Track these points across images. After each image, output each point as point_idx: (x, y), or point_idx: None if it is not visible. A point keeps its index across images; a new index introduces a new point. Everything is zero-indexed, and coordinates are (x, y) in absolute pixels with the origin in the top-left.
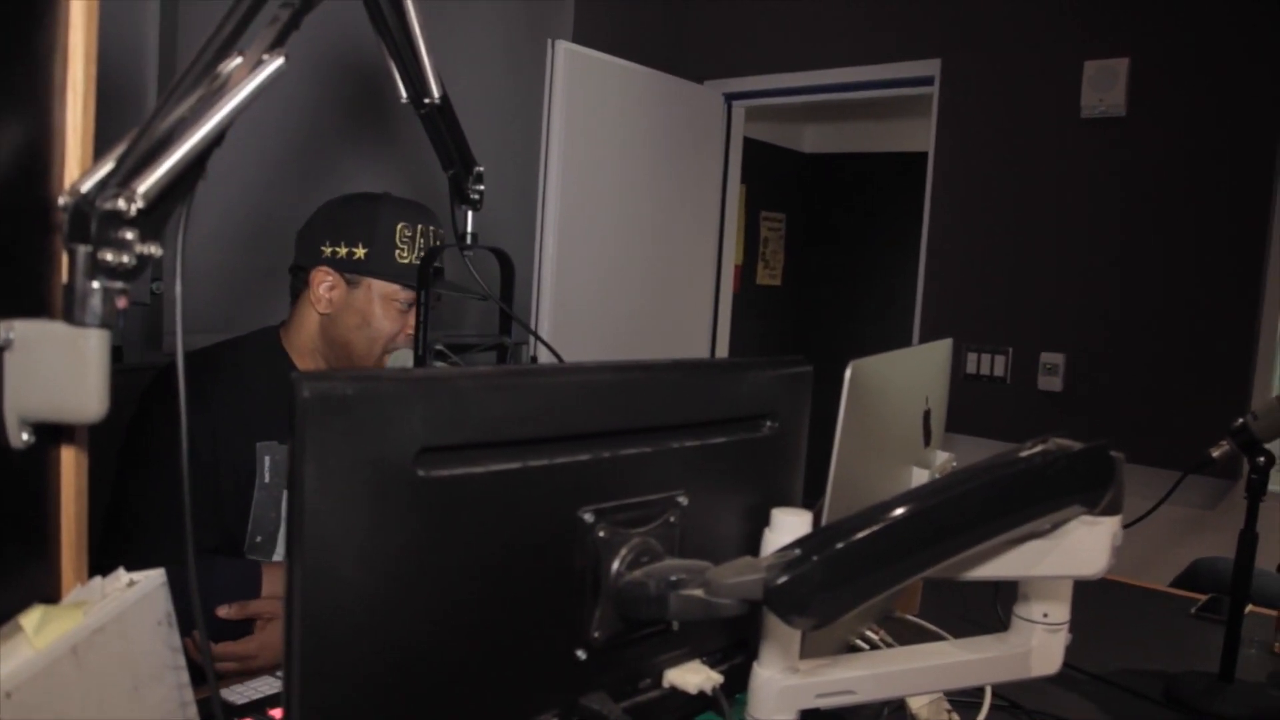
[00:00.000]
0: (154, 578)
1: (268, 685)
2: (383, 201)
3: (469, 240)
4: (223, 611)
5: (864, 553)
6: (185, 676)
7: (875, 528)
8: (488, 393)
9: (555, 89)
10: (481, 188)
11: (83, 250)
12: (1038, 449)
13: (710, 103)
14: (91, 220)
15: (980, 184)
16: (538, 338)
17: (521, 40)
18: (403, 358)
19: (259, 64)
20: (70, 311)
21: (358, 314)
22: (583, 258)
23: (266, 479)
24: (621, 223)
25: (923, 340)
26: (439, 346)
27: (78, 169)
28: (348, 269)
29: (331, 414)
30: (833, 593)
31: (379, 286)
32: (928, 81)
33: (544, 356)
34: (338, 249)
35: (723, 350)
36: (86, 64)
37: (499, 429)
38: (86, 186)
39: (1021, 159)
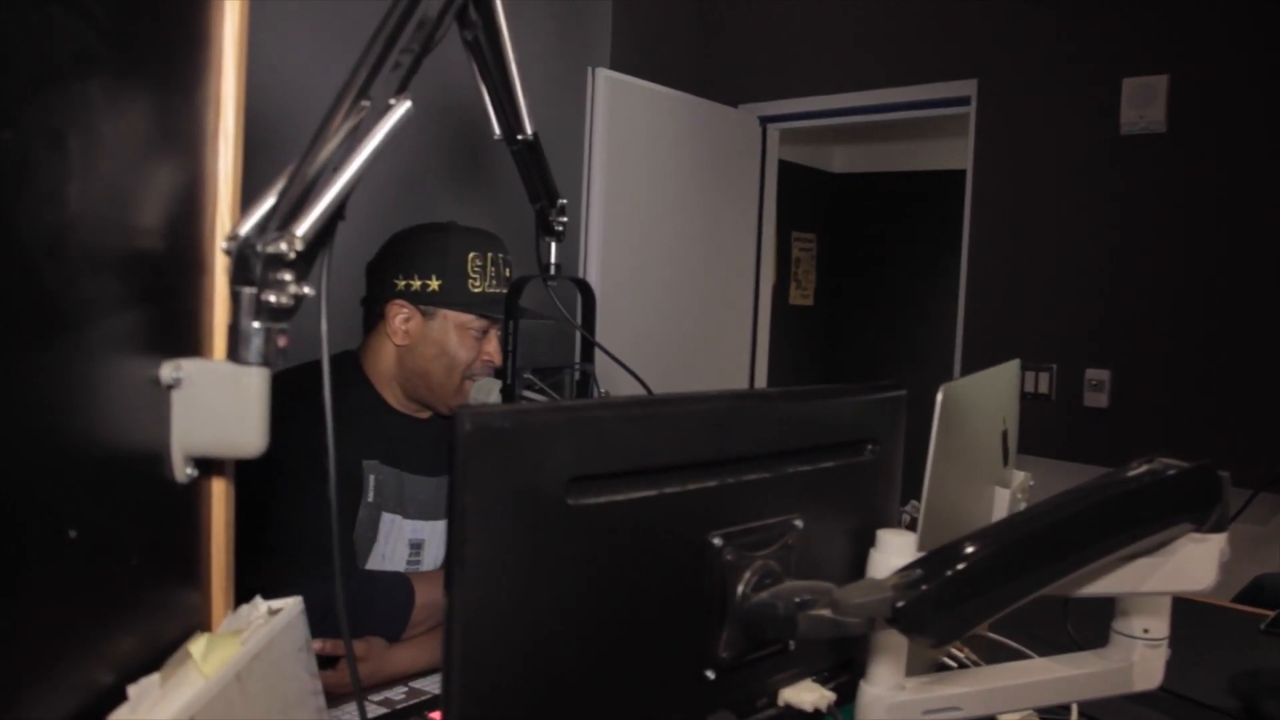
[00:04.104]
0: (293, 605)
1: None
2: (451, 231)
3: (552, 271)
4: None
5: (983, 572)
6: (323, 701)
7: (993, 548)
8: (627, 423)
9: (596, 115)
10: (565, 219)
11: (247, 292)
12: (1144, 469)
13: (746, 126)
14: (255, 263)
15: (1020, 202)
16: (624, 366)
17: (560, 68)
18: (487, 388)
19: (388, 109)
20: (235, 350)
21: (435, 344)
22: (623, 281)
23: (370, 498)
24: (660, 245)
25: (965, 359)
26: (527, 375)
27: (228, 213)
28: (422, 301)
29: (491, 446)
30: (955, 611)
31: (454, 316)
32: (964, 101)
33: (623, 385)
34: (411, 282)
35: (762, 371)
36: (237, 112)
37: (638, 457)
38: (244, 230)
39: (1061, 177)
